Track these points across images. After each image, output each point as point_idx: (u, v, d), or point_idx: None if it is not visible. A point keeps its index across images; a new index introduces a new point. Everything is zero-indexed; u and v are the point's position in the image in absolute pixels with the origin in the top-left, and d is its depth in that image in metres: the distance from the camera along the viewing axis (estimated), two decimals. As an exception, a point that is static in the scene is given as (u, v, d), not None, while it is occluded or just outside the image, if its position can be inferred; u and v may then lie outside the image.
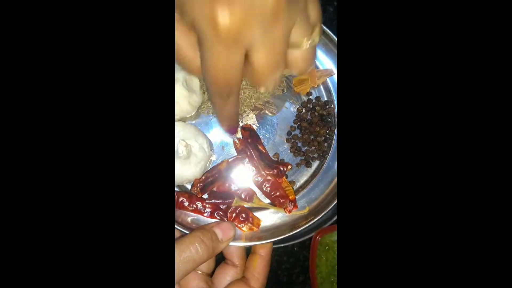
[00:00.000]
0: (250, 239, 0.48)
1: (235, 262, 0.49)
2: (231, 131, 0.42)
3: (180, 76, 0.47)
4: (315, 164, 0.53)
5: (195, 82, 0.49)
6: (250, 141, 0.52)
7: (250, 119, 0.54)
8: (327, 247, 0.57)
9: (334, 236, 0.57)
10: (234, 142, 0.53)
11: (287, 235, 0.48)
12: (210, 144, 0.52)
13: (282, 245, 0.58)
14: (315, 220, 0.49)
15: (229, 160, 0.51)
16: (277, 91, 0.54)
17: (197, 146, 0.47)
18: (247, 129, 0.52)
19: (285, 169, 0.51)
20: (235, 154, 0.53)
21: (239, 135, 0.52)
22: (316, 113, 0.53)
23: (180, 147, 0.45)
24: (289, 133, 0.54)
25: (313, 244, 0.56)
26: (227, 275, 0.48)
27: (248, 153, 0.51)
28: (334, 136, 0.53)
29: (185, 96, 0.47)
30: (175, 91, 0.46)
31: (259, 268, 0.48)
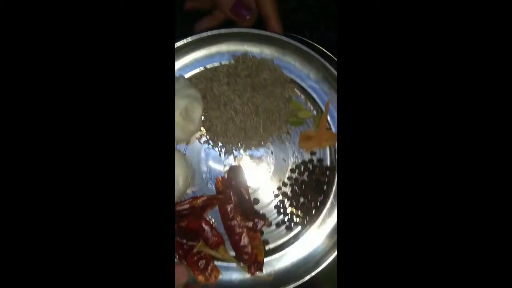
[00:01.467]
0: (202, 290, 0.44)
1: None
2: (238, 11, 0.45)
3: (181, 103, 0.44)
4: (296, 229, 0.49)
5: (197, 112, 0.45)
6: (234, 183, 0.48)
7: (244, 159, 0.50)
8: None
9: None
10: (217, 180, 0.49)
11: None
12: (192, 176, 0.48)
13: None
14: (277, 291, 0.44)
15: (206, 198, 0.47)
16: (280, 141, 0.50)
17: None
18: (234, 171, 0.48)
19: (262, 224, 0.47)
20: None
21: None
22: (313, 177, 0.49)
23: None
24: (279, 188, 0.50)
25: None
26: None
27: (228, 195, 0.47)
28: (326, 205, 0.48)
29: (180, 125, 0.44)
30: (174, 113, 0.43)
31: None
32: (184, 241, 0.45)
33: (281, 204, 0.49)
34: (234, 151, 0.50)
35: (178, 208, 0.46)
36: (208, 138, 0.49)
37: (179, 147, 0.49)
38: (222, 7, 0.46)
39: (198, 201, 0.47)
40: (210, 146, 0.50)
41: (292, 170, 0.50)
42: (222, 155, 0.50)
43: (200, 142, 0.50)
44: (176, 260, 0.45)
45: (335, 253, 0.45)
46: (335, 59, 0.50)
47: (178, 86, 0.45)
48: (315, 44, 0.51)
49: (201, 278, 0.44)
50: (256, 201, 0.50)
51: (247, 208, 0.48)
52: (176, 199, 0.46)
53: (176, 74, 0.48)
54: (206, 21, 0.49)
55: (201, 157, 0.50)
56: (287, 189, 0.50)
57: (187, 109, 0.44)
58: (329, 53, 0.49)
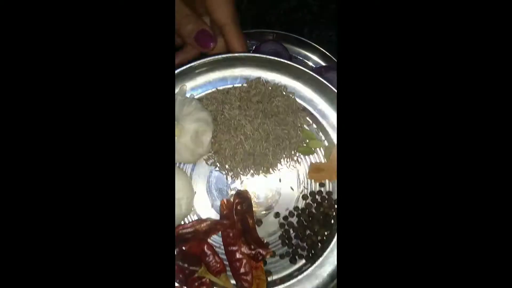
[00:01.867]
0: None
1: None
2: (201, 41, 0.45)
3: (192, 128, 0.43)
4: (301, 262, 0.47)
5: (207, 135, 0.45)
6: (239, 209, 0.47)
7: (250, 186, 0.49)
8: None
9: None
10: (222, 203, 0.47)
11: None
12: (196, 195, 0.47)
13: None
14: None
15: (209, 222, 0.46)
16: (288, 168, 0.49)
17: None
18: (241, 196, 0.47)
19: (265, 254, 0.45)
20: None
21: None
22: (321, 209, 0.47)
23: None
24: (285, 218, 0.48)
25: None
26: None
27: (232, 220, 0.46)
28: (332, 241, 0.46)
29: (190, 149, 0.43)
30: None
31: None
32: (186, 265, 0.43)
33: (286, 235, 0.48)
34: (241, 176, 0.48)
35: (180, 231, 0.44)
36: (215, 160, 0.48)
37: (185, 167, 0.48)
38: (186, 39, 0.46)
39: (202, 225, 0.45)
40: (217, 169, 0.49)
41: (300, 200, 0.48)
42: (229, 178, 0.49)
43: (207, 164, 0.49)
44: (176, 284, 0.43)
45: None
46: (334, 59, 0.50)
47: (190, 109, 0.44)
48: (313, 44, 0.51)
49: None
50: (259, 223, 0.48)
51: (251, 235, 0.46)
52: (178, 222, 0.45)
53: (188, 94, 0.48)
54: (180, 55, 0.49)
55: (207, 179, 0.49)
56: (293, 220, 0.48)
57: (197, 133, 0.43)
58: (328, 54, 0.49)
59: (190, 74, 0.47)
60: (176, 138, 0.43)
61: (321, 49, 0.56)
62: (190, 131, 0.43)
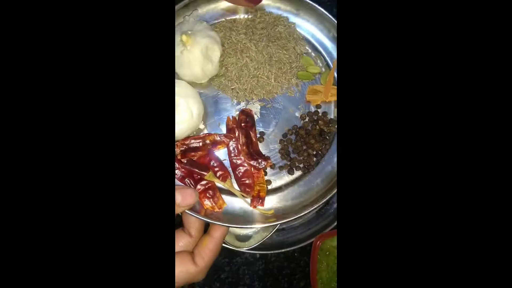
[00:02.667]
0: (209, 217, 0.48)
1: (191, 232, 0.48)
2: None
3: (202, 42, 0.48)
4: (297, 173, 0.53)
5: (216, 54, 0.50)
6: (243, 125, 0.52)
7: (254, 107, 0.54)
8: (327, 253, 0.57)
9: (334, 242, 0.57)
10: (228, 118, 0.53)
11: (243, 226, 0.48)
12: (205, 115, 0.52)
13: (283, 250, 0.59)
14: (274, 224, 0.49)
15: (217, 136, 0.51)
16: (289, 93, 0.54)
17: (184, 106, 0.48)
18: (245, 113, 0.53)
19: (265, 164, 0.51)
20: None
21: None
22: (317, 127, 0.53)
23: None
24: (284, 135, 0.54)
25: (313, 250, 0.56)
26: (180, 241, 0.48)
27: (236, 135, 0.52)
28: (325, 155, 0.52)
29: (200, 62, 0.48)
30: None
31: (207, 248, 0.48)
32: (195, 169, 0.49)
33: (285, 150, 0.53)
34: (245, 99, 0.54)
35: (191, 141, 0.50)
36: (222, 83, 0.54)
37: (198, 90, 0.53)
38: None
39: (210, 137, 0.51)
40: (223, 92, 0.54)
41: (299, 120, 0.54)
42: (234, 100, 0.54)
43: (214, 87, 0.54)
44: (187, 186, 0.49)
45: (330, 194, 0.49)
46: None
47: (200, 27, 0.49)
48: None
49: (208, 203, 0.49)
50: (261, 139, 0.53)
51: (253, 148, 0.52)
52: (190, 131, 0.50)
53: (198, 19, 0.53)
54: None
55: (214, 101, 0.54)
56: (292, 137, 0.54)
57: (207, 49, 0.48)
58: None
59: (201, 1, 0.53)
60: (188, 47, 0.48)
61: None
62: (201, 44, 0.48)
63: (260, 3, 0.53)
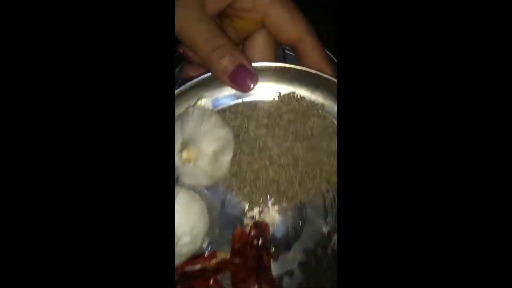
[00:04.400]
0: None
1: None
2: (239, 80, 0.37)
3: (210, 149, 0.37)
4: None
5: (227, 157, 0.39)
6: (255, 243, 0.41)
7: (270, 216, 0.43)
8: None
9: None
10: (235, 233, 0.41)
11: None
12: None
13: None
14: None
15: (220, 260, 0.40)
16: (316, 200, 0.43)
17: (187, 236, 0.37)
18: (258, 229, 0.41)
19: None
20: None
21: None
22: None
23: None
24: (307, 253, 0.42)
25: None
26: None
27: (245, 257, 0.40)
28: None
29: (207, 172, 0.38)
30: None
31: None
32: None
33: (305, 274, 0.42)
34: (260, 204, 0.42)
35: (188, 268, 0.39)
36: (232, 184, 0.42)
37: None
38: (218, 75, 0.37)
39: (211, 262, 0.40)
40: (233, 193, 0.42)
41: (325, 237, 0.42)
42: (246, 206, 0.42)
43: (222, 187, 0.42)
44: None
45: None
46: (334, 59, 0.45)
47: (208, 126, 0.38)
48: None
49: None
50: (276, 257, 0.42)
51: (265, 275, 0.41)
52: (191, 255, 0.39)
53: (209, 106, 0.41)
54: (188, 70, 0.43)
55: (220, 203, 0.43)
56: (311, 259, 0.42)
57: (216, 154, 0.37)
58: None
59: (214, 82, 0.41)
60: (192, 162, 0.37)
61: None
62: (208, 153, 0.37)
63: (288, 89, 0.42)
